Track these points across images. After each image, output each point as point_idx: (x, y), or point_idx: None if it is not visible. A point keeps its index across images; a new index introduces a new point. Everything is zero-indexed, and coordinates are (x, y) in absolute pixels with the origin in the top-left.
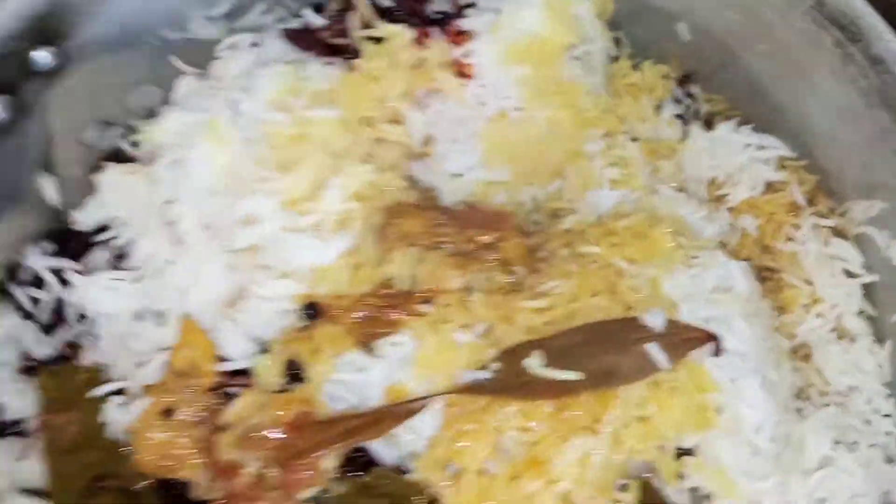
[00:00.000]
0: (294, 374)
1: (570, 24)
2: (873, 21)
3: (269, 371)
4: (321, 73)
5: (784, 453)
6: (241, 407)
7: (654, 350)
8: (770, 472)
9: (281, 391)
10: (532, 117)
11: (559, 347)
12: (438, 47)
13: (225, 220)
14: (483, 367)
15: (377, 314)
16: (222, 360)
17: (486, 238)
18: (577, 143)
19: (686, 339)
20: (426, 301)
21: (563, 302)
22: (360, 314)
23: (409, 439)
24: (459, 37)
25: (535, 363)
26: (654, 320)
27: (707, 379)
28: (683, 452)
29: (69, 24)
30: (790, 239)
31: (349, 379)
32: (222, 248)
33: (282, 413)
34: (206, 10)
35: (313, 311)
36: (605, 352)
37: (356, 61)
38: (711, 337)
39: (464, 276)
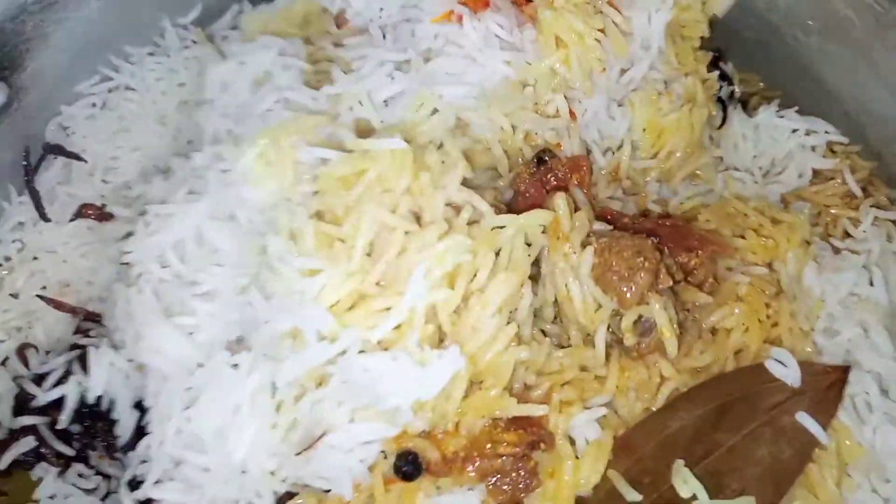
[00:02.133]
0: None
1: None
2: None
3: None
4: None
5: None
6: None
7: (808, 422)
8: None
9: None
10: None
11: (689, 439)
12: None
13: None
14: None
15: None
16: None
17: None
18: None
19: (828, 387)
20: None
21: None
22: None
23: None
24: None
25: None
26: (785, 367)
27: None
28: None
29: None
30: (848, 235)
31: None
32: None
33: None
34: (175, 18)
35: (412, 466)
36: (754, 440)
37: None
38: (848, 370)
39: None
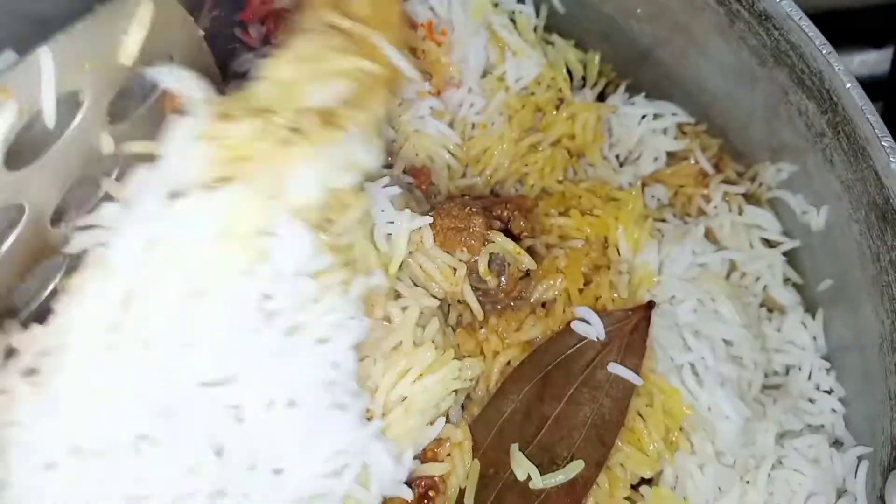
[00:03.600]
0: None
1: None
2: None
3: None
4: None
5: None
6: None
7: (619, 370)
8: (732, 484)
9: None
10: None
11: (521, 419)
12: None
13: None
14: None
15: None
16: None
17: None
18: None
19: (633, 330)
20: None
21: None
22: None
23: None
24: None
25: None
26: (589, 324)
27: (678, 403)
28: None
29: None
30: (703, 212)
31: None
32: None
33: None
34: None
35: None
36: (575, 403)
37: None
38: (651, 305)
39: None
